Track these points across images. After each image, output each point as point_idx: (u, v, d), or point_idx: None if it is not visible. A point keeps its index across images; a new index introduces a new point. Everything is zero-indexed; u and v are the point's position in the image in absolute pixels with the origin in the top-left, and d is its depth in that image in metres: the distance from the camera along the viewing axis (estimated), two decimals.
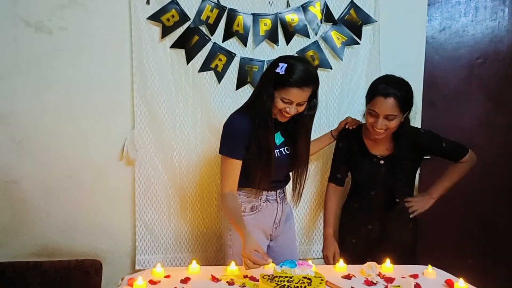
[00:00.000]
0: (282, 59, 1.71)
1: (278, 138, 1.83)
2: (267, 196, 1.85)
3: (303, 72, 1.66)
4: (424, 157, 2.05)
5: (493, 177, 2.68)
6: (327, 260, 2.01)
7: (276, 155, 1.79)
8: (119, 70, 2.15)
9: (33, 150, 2.17)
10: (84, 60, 2.14)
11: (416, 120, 2.35)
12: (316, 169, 2.34)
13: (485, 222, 2.71)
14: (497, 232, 2.72)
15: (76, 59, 2.14)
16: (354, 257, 1.90)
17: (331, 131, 2.14)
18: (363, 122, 2.03)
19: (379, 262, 1.71)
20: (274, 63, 1.70)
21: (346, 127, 2.06)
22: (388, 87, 1.81)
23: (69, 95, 2.16)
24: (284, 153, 1.83)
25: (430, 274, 1.63)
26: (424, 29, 2.39)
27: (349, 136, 2.04)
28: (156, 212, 2.23)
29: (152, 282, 1.57)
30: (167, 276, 1.62)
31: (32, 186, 2.19)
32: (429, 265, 1.66)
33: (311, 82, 1.69)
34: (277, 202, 1.88)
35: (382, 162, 1.98)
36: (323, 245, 2.07)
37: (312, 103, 1.76)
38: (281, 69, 1.64)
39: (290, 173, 1.91)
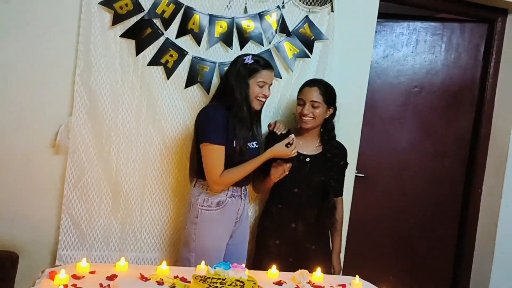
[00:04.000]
0: (242, 55, 1.97)
1: None
2: (232, 191, 1.92)
3: (264, 59, 2.00)
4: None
5: (421, 199, 2.86)
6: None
7: (249, 147, 1.88)
8: (62, 51, 2.03)
9: None
10: (24, 36, 1.99)
11: (355, 137, 2.47)
12: None
13: (410, 243, 2.88)
14: (417, 253, 2.89)
15: (15, 33, 1.98)
16: (278, 258, 1.93)
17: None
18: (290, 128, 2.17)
19: (303, 260, 1.98)
20: (238, 59, 1.94)
21: (276, 131, 2.12)
22: (313, 81, 2.13)
23: (4, 71, 2.00)
24: (253, 146, 1.92)
25: (357, 285, 1.68)
26: (371, 54, 2.51)
27: (276, 139, 2.02)
28: (85, 205, 2.11)
29: (75, 276, 1.48)
30: (92, 272, 1.54)
31: None
32: (356, 276, 1.72)
33: (272, 65, 2.01)
34: (241, 198, 1.97)
35: (308, 159, 2.08)
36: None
37: None
38: (249, 59, 1.91)
39: None
